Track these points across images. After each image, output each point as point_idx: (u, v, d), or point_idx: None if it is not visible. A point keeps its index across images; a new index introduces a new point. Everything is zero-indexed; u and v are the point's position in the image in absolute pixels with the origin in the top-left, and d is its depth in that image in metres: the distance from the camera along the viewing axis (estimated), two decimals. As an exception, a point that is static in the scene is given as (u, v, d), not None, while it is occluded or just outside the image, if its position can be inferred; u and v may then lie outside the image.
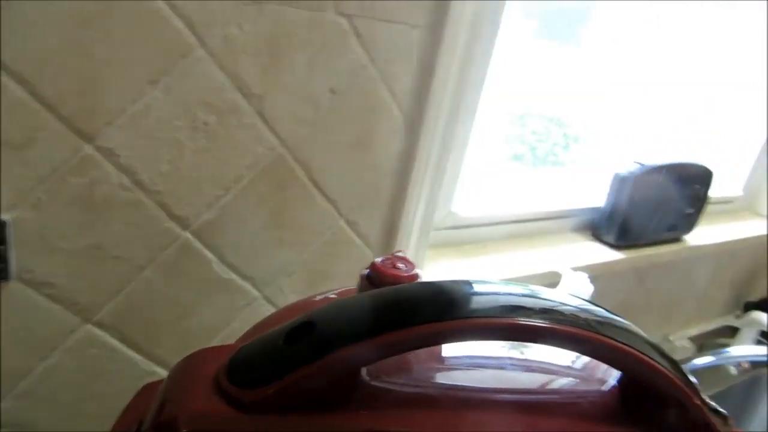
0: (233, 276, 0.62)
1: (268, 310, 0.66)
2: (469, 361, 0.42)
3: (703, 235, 1.10)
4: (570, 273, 0.80)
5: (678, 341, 1.08)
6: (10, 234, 0.49)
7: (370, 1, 0.56)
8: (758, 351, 1.00)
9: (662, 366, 0.36)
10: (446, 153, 0.70)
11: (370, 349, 0.33)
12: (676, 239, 1.05)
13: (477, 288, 0.37)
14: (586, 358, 0.43)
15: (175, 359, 0.36)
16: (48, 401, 0.57)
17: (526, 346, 0.44)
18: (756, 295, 1.36)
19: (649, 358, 0.36)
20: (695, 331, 1.26)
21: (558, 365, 0.43)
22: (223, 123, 0.54)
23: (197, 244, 0.58)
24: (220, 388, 0.34)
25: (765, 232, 1.20)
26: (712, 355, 0.99)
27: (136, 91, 0.50)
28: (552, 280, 0.83)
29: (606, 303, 0.96)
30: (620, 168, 0.94)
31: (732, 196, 1.25)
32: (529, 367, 0.42)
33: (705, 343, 1.21)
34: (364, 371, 0.35)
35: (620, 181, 0.93)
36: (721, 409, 0.40)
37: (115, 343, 0.58)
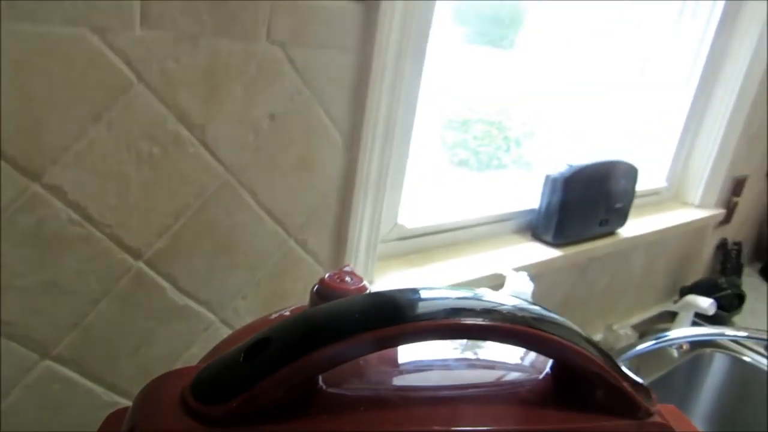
0: (189, 302, 0.64)
1: (226, 333, 0.67)
2: (418, 362, 0.45)
3: (634, 227, 1.17)
4: (512, 274, 0.85)
5: (621, 330, 1.14)
6: (-38, 277, 0.49)
7: (301, 29, 0.60)
8: (695, 331, 1.07)
9: (588, 351, 0.40)
10: (386, 168, 0.74)
11: (321, 359, 0.35)
12: (611, 233, 1.12)
13: (422, 294, 0.40)
14: (523, 351, 0.47)
15: (136, 388, 0.38)
16: (9, 442, 0.57)
17: (470, 346, 0.47)
18: (690, 280, 1.45)
19: (577, 345, 0.40)
20: (637, 319, 1.33)
21: (498, 360, 0.47)
22: (167, 154, 0.57)
23: (151, 273, 0.60)
24: (186, 406, 0.36)
25: (690, 219, 1.29)
26: (654, 339, 1.05)
27: (80, 128, 0.51)
28: (497, 281, 0.87)
29: (551, 298, 1.02)
30: (551, 169, 1.00)
31: (658, 187, 1.34)
32: (472, 364, 0.46)
33: (647, 329, 1.28)
34: (320, 379, 0.38)
35: (552, 182, 0.99)
36: (644, 384, 0.45)
37: (75, 376, 0.59)
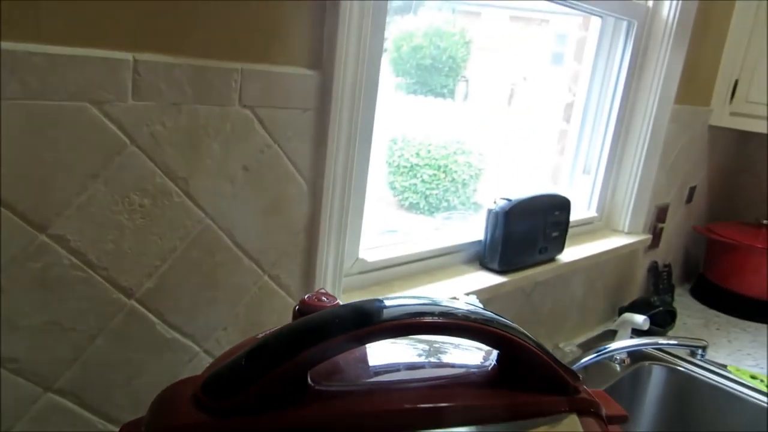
0: (176, 335, 0.71)
1: (209, 362, 0.74)
2: (389, 361, 0.54)
3: (572, 253, 1.30)
4: (464, 297, 0.95)
5: (567, 348, 1.25)
6: (-22, 319, 0.56)
7: (267, 94, 0.70)
8: (631, 342, 1.19)
9: (525, 341, 0.50)
10: (346, 209, 0.83)
11: (310, 356, 0.45)
12: (551, 259, 1.24)
13: (389, 302, 0.50)
14: (473, 348, 0.57)
15: (129, 417, 0.45)
16: (15, 473, 0.62)
17: (431, 348, 0.57)
18: (627, 301, 1.58)
19: (516, 337, 0.50)
20: (582, 338, 1.45)
21: (453, 357, 0.57)
22: (156, 204, 0.65)
23: (141, 310, 0.67)
24: (198, 403, 0.44)
25: (620, 244, 1.43)
26: (595, 352, 1.16)
27: (80, 185, 0.60)
28: (450, 305, 0.97)
29: None
30: (491, 204, 1.12)
31: (590, 217, 1.48)
32: (433, 360, 0.56)
33: (591, 347, 1.39)
34: (309, 377, 0.46)
35: (494, 216, 1.11)
36: (572, 369, 0.55)
37: (75, 408, 0.65)
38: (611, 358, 1.38)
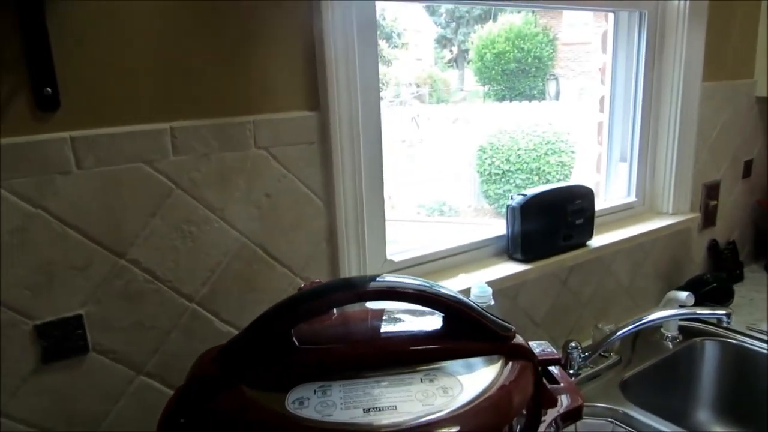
0: (230, 329, 0.92)
1: (260, 350, 0.95)
2: (361, 329, 0.72)
3: (605, 238, 1.38)
4: (476, 282, 1.08)
5: (606, 327, 1.32)
6: (85, 322, 0.80)
7: (277, 135, 0.91)
8: (665, 314, 1.25)
9: (460, 304, 0.65)
10: (361, 219, 1.01)
11: (302, 312, 0.63)
12: (580, 245, 1.33)
13: (376, 278, 0.68)
14: (428, 311, 0.72)
15: None
16: (122, 434, 0.86)
17: (394, 316, 0.74)
18: (685, 281, 1.61)
19: (456, 302, 0.66)
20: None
21: (410, 321, 0.73)
22: (201, 230, 0.87)
23: (201, 311, 0.89)
24: (214, 360, 0.64)
25: (661, 225, 1.48)
26: (626, 327, 1.24)
27: (144, 222, 0.83)
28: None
29: (539, 307, 1.31)
30: (509, 201, 1.25)
31: (631, 202, 1.54)
32: (395, 324, 0.73)
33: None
34: (295, 340, 0.65)
35: (511, 211, 1.23)
36: (505, 323, 0.69)
37: (160, 386, 0.88)
38: (662, 336, 1.43)
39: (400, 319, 0.74)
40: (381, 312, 0.76)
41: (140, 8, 0.78)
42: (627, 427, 1.13)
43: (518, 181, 5.50)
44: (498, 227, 1.30)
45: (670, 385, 1.39)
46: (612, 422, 1.15)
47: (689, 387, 1.43)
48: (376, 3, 1.01)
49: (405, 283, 0.68)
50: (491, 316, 0.69)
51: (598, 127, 1.65)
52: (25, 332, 0.77)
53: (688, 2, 1.42)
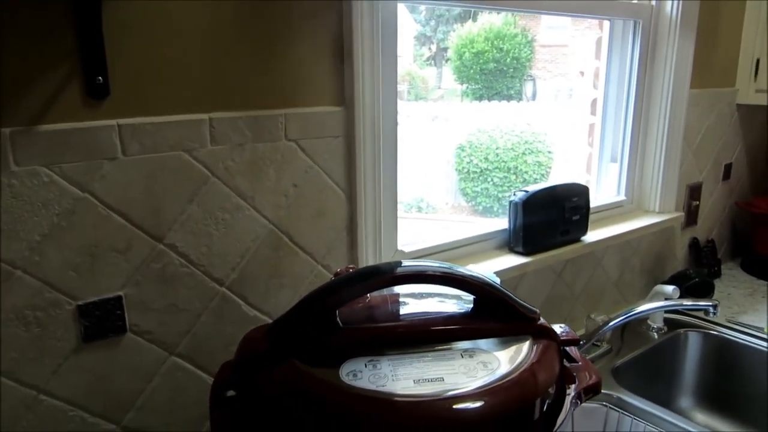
0: (256, 313, 0.96)
1: (282, 334, 0.99)
2: (400, 310, 0.77)
3: (597, 234, 1.46)
4: (484, 272, 1.14)
5: (598, 318, 1.40)
6: (124, 303, 0.84)
7: (306, 128, 0.95)
8: (653, 305, 1.33)
9: (491, 287, 0.71)
10: (379, 211, 1.06)
11: (340, 298, 0.68)
12: (575, 240, 1.40)
13: (403, 264, 0.73)
14: (459, 294, 0.78)
15: None
16: (156, 411, 0.89)
17: (429, 300, 0.79)
18: (668, 276, 1.70)
19: (488, 287, 0.71)
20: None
21: (444, 305, 0.78)
22: (233, 216, 0.91)
23: (231, 295, 0.93)
24: (265, 336, 0.68)
25: (648, 223, 1.56)
26: (617, 318, 1.31)
27: (181, 208, 0.86)
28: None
29: (536, 297, 1.38)
30: (512, 196, 1.31)
31: (620, 200, 1.62)
32: (430, 306, 0.78)
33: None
34: (339, 321, 0.69)
35: (513, 206, 1.30)
36: (531, 306, 0.75)
37: (190, 367, 0.92)
38: (649, 327, 1.52)
39: (429, 300, 0.80)
40: (412, 294, 0.82)
41: (186, 5, 0.81)
42: (621, 411, 1.20)
43: (496, 180, 5.62)
44: (498, 222, 1.36)
45: (656, 373, 1.47)
46: (606, 406, 1.23)
47: (673, 375, 1.52)
48: (397, 3, 1.06)
49: (437, 267, 0.73)
50: (518, 299, 0.75)
51: (590, 128, 1.72)
52: (69, 312, 0.80)
53: (679, 14, 1.51)
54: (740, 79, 1.77)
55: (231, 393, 0.70)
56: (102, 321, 0.83)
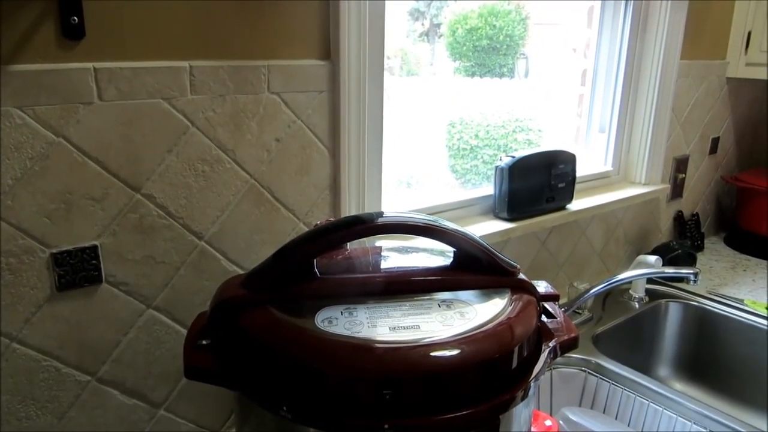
0: (236, 268, 0.95)
1: (263, 291, 0.98)
2: (379, 263, 0.76)
3: (582, 203, 1.45)
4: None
5: (581, 285, 1.40)
6: (100, 253, 0.82)
7: (289, 81, 0.93)
8: (635, 273, 1.33)
9: (472, 240, 0.70)
10: (362, 170, 1.05)
11: (317, 246, 0.67)
12: (560, 208, 1.40)
13: (385, 214, 0.72)
14: (443, 251, 0.77)
15: None
16: (132, 364, 0.89)
17: (409, 251, 0.78)
18: (651, 247, 1.71)
19: (465, 236, 0.70)
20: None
21: (425, 257, 0.77)
22: (214, 169, 0.89)
23: (210, 249, 0.92)
24: (243, 284, 0.67)
25: (634, 194, 1.56)
26: (599, 285, 1.32)
27: (160, 157, 0.85)
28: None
29: (520, 263, 1.36)
30: (498, 162, 1.30)
31: (607, 171, 1.62)
32: (409, 258, 0.77)
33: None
34: (316, 270, 0.68)
35: (499, 172, 1.29)
36: (511, 261, 0.75)
37: (168, 321, 0.91)
38: (630, 297, 1.53)
39: (411, 254, 0.79)
40: (393, 248, 0.81)
41: (165, -56, 0.79)
42: (600, 376, 1.21)
43: (485, 157, 5.57)
44: (483, 189, 1.35)
45: (636, 342, 1.49)
46: (585, 371, 1.24)
47: (653, 344, 1.54)
48: (386, -42, 1.03)
49: (420, 218, 0.73)
50: (498, 253, 0.74)
51: (579, 99, 1.71)
52: (42, 260, 0.78)
53: (672, -19, 1.49)
54: (731, 52, 1.76)
55: (206, 341, 0.69)
56: (77, 270, 0.81)
